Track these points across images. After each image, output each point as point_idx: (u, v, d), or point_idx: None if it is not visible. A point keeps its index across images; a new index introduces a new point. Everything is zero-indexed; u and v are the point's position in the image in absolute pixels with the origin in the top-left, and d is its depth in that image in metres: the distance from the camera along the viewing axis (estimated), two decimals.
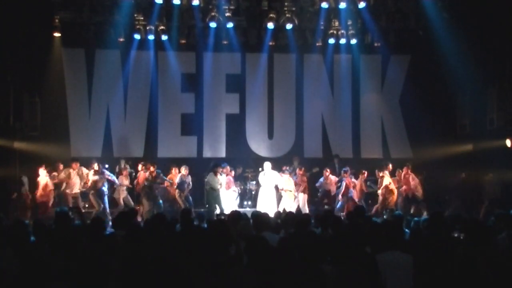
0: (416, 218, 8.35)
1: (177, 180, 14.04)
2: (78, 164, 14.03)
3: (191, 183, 14.27)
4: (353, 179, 14.22)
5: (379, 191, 13.75)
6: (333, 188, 14.40)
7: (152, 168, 13.59)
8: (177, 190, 14.01)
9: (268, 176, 13.97)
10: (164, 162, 15.26)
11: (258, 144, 16.72)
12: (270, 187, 13.95)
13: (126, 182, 14.21)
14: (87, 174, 13.83)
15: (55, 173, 14.08)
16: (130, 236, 5.73)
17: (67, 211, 8.40)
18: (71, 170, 13.92)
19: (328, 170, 14.56)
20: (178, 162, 14.75)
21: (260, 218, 7.13)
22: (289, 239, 5.82)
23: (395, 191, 13.60)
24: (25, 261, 4.41)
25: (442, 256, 5.09)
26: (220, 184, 13.68)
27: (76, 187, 13.95)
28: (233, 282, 4.42)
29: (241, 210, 11.16)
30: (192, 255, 5.00)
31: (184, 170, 14.11)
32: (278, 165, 14.72)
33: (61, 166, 14.37)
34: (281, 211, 11.04)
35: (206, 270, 4.63)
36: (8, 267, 4.59)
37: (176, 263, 4.80)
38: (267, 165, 14.06)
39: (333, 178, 14.44)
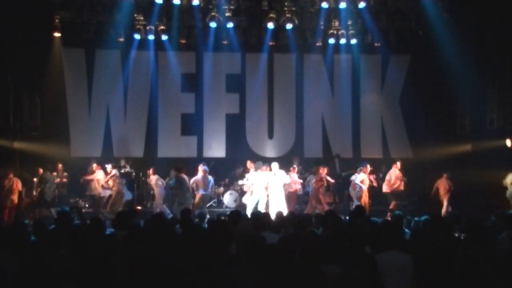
0: (416, 218, 8.33)
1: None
2: (100, 167, 14.40)
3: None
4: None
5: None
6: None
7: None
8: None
9: (278, 177, 13.79)
10: (164, 162, 15.25)
11: (258, 144, 16.73)
12: (280, 188, 13.71)
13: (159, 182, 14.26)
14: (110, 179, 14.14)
15: (55, 173, 14.11)
16: (130, 236, 5.73)
17: (68, 211, 8.39)
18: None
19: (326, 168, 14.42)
20: (178, 162, 14.72)
21: (260, 218, 7.13)
22: (289, 239, 5.82)
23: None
24: (25, 261, 4.41)
25: (442, 256, 5.08)
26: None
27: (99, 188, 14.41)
28: (233, 282, 4.42)
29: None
30: (192, 255, 5.00)
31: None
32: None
33: (61, 166, 14.40)
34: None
35: (206, 270, 4.63)
36: (8, 267, 4.59)
37: (176, 263, 4.81)
38: (275, 165, 13.81)
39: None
